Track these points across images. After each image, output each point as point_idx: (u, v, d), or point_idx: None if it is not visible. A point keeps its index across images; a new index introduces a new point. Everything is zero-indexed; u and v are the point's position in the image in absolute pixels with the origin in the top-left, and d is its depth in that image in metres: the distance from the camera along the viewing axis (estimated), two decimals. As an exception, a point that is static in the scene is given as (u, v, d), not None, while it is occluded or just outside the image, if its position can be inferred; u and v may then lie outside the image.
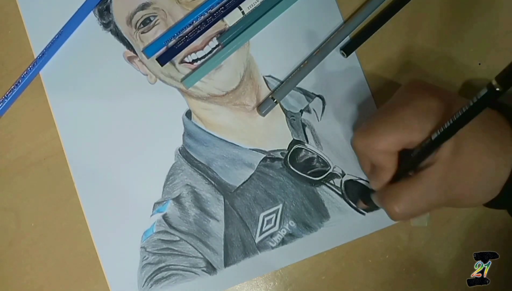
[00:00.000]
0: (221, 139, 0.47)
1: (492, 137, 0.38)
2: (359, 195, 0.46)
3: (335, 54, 0.47)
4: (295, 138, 0.47)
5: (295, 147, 0.47)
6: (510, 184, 0.38)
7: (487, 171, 0.38)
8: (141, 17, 0.47)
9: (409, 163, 0.39)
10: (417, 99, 0.39)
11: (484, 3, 0.49)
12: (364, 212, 0.47)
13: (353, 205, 0.47)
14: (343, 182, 0.47)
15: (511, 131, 0.38)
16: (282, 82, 0.47)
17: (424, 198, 0.38)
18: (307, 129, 0.47)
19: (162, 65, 0.46)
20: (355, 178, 0.47)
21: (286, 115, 0.47)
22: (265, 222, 0.46)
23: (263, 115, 0.46)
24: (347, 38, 0.47)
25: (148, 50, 0.46)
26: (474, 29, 0.48)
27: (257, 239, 0.46)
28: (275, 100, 0.46)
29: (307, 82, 0.47)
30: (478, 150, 0.38)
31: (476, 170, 0.38)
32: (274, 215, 0.46)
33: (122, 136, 0.46)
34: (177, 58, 0.47)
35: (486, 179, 0.38)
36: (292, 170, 0.47)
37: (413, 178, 0.39)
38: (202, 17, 0.47)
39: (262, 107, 0.46)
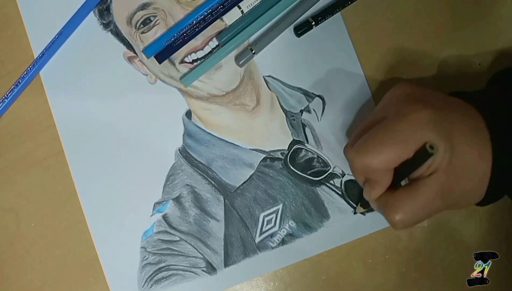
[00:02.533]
0: (221, 139, 0.47)
1: (482, 141, 0.39)
2: (359, 200, 0.46)
3: (336, 54, 0.47)
4: (295, 138, 0.47)
5: (295, 147, 0.47)
6: (493, 182, 0.39)
7: (481, 176, 0.39)
8: (141, 17, 0.47)
9: (402, 173, 0.39)
10: (410, 112, 0.38)
11: (485, 3, 0.49)
12: (364, 212, 0.47)
13: (353, 205, 0.47)
14: (343, 182, 0.47)
15: (487, 131, 0.39)
16: (261, 35, 0.47)
17: (426, 207, 0.38)
18: (307, 129, 0.47)
19: (160, 62, 0.46)
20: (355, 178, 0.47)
21: (286, 115, 0.47)
22: (265, 222, 0.46)
23: (241, 66, 0.46)
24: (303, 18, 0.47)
25: (148, 50, 0.46)
26: (474, 29, 0.48)
27: (257, 239, 0.46)
28: (253, 52, 0.46)
29: (307, 82, 0.47)
30: (471, 155, 0.38)
31: (471, 174, 0.38)
32: (274, 215, 0.46)
33: (122, 136, 0.47)
34: (177, 58, 0.47)
35: (480, 181, 0.39)
36: (292, 170, 0.47)
37: (413, 188, 0.39)
38: (202, 16, 0.47)
39: (240, 58, 0.46)
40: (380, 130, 0.39)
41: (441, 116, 0.38)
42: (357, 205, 0.46)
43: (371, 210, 0.46)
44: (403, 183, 0.40)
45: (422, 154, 0.37)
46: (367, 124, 0.41)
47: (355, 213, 0.47)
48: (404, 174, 0.39)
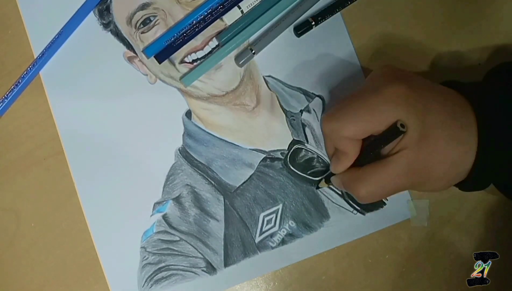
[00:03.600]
0: (221, 139, 0.47)
1: (460, 124, 0.39)
2: (323, 175, 0.46)
3: (336, 54, 0.47)
4: (295, 138, 0.47)
5: (295, 147, 0.47)
6: (477, 169, 0.39)
7: (453, 158, 0.39)
8: (141, 17, 0.47)
9: (370, 148, 0.40)
10: (386, 86, 0.39)
11: (485, 2, 0.49)
12: (364, 212, 0.47)
13: (354, 205, 0.47)
14: (343, 182, 0.47)
15: (474, 116, 0.39)
16: (261, 35, 0.47)
17: (392, 182, 0.39)
18: (307, 129, 0.47)
19: (160, 62, 0.46)
20: (355, 178, 0.47)
21: (286, 115, 0.47)
22: (265, 222, 0.46)
23: (241, 66, 0.47)
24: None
25: (148, 50, 0.46)
26: (474, 29, 0.48)
27: (257, 239, 0.46)
28: (253, 52, 0.46)
29: (307, 82, 0.47)
30: (444, 137, 0.39)
31: (442, 157, 0.39)
32: (274, 215, 0.46)
33: (122, 137, 0.47)
34: (177, 58, 0.47)
35: (451, 166, 0.39)
36: (292, 170, 0.47)
37: (381, 163, 0.39)
38: (202, 16, 0.47)
39: (240, 58, 0.46)
40: (354, 99, 0.40)
41: (416, 95, 0.39)
42: (320, 181, 0.46)
43: (334, 187, 0.46)
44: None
45: (392, 131, 0.38)
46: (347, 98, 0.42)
47: (317, 188, 0.47)
48: (372, 149, 0.40)
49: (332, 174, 0.44)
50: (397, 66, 0.42)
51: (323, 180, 0.46)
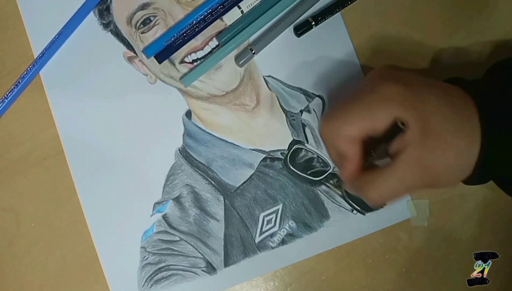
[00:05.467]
0: (221, 139, 0.47)
1: (461, 116, 0.39)
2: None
3: (336, 54, 0.47)
4: (295, 138, 0.47)
5: (295, 147, 0.47)
6: (481, 161, 0.39)
7: (459, 150, 0.39)
8: (141, 17, 0.47)
9: (372, 148, 0.40)
10: (381, 85, 0.39)
11: (485, 3, 0.49)
12: (364, 212, 0.47)
13: (353, 205, 0.47)
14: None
15: (475, 109, 0.39)
16: (261, 35, 0.47)
17: (402, 182, 0.39)
18: (307, 129, 0.47)
19: (160, 62, 0.46)
20: (355, 178, 0.47)
21: (286, 115, 0.47)
22: (265, 222, 0.46)
23: (241, 66, 0.47)
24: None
25: (148, 50, 0.46)
26: (474, 29, 0.48)
27: (257, 239, 0.46)
28: (253, 52, 0.46)
29: (307, 82, 0.47)
30: (448, 130, 0.38)
31: (449, 149, 0.38)
32: (274, 215, 0.46)
33: (122, 136, 0.47)
34: (177, 58, 0.47)
35: (459, 158, 0.39)
36: (292, 170, 0.47)
37: (389, 165, 0.39)
38: (202, 16, 0.47)
39: (240, 58, 0.46)
40: (350, 101, 0.40)
41: (413, 91, 0.39)
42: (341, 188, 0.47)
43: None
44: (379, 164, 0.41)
45: (392, 129, 0.38)
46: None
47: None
48: (373, 147, 0.40)
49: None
50: (397, 65, 0.42)
51: (342, 187, 0.46)
